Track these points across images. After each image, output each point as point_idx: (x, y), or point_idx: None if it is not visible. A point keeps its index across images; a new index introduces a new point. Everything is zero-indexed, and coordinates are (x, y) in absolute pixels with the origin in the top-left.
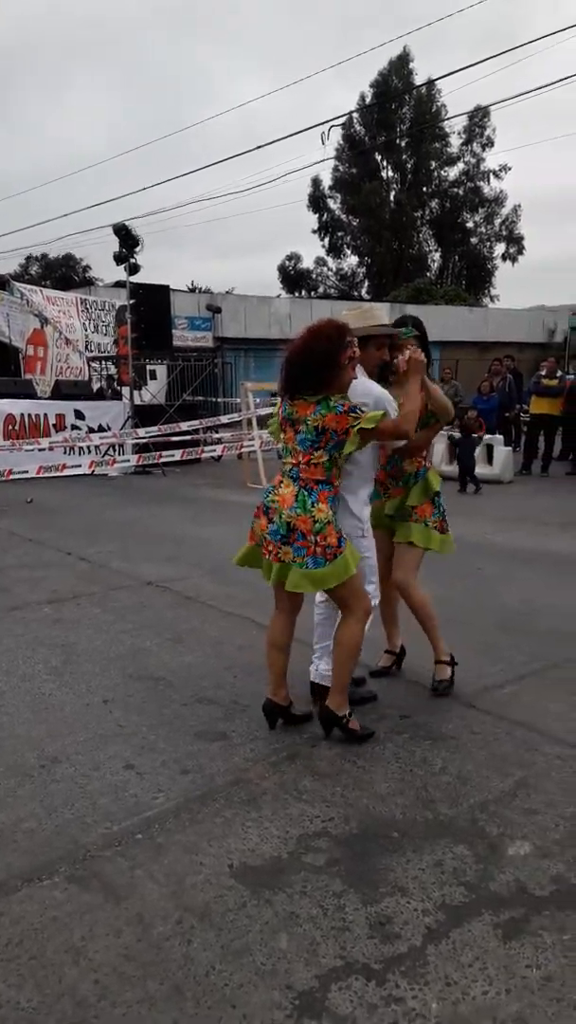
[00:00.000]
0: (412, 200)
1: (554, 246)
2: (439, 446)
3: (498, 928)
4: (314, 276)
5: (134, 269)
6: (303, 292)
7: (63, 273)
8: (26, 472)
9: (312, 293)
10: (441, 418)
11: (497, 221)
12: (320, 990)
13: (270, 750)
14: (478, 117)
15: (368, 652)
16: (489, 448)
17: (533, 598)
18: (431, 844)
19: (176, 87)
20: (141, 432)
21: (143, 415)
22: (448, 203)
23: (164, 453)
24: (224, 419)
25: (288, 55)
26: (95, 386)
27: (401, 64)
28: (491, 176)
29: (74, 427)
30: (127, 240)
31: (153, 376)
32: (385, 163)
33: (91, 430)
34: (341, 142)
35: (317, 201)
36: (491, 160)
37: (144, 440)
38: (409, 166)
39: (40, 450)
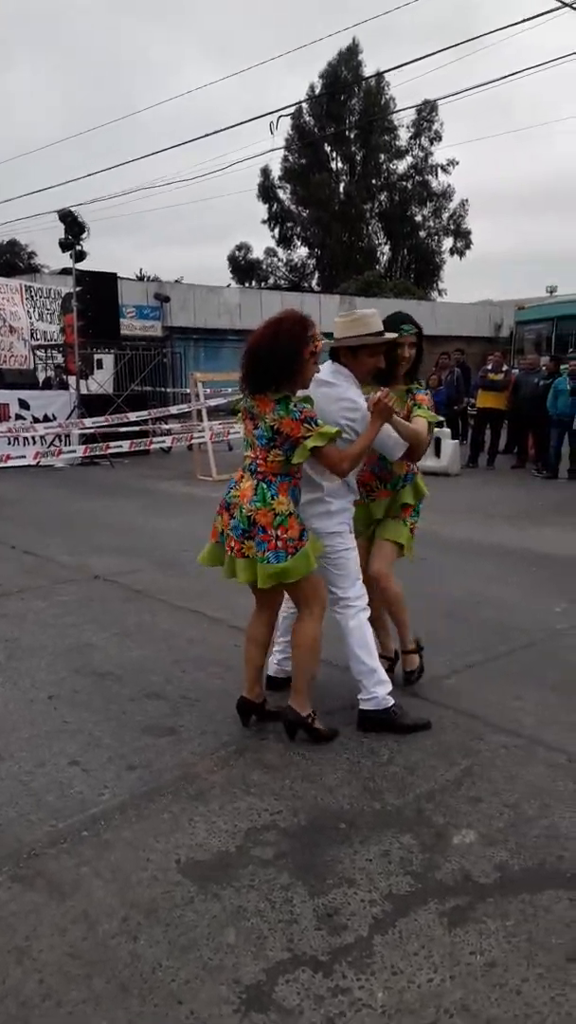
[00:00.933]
0: (361, 192)
1: (501, 241)
2: None
3: (443, 916)
4: (264, 267)
5: (80, 256)
6: (253, 283)
7: (7, 259)
8: None
9: (262, 284)
10: (415, 449)
11: (445, 215)
12: (267, 983)
13: (219, 744)
14: (426, 111)
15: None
16: (437, 441)
17: (478, 589)
18: (378, 835)
19: (120, 73)
20: (88, 422)
21: (90, 405)
22: (397, 196)
23: (112, 444)
24: (174, 410)
25: (234, 41)
26: (40, 375)
27: (350, 55)
28: (439, 170)
29: (18, 417)
30: (73, 227)
31: (100, 365)
32: (335, 154)
33: (36, 420)
34: (291, 132)
35: (267, 191)
36: (439, 154)
37: (91, 431)
38: (358, 158)
39: None
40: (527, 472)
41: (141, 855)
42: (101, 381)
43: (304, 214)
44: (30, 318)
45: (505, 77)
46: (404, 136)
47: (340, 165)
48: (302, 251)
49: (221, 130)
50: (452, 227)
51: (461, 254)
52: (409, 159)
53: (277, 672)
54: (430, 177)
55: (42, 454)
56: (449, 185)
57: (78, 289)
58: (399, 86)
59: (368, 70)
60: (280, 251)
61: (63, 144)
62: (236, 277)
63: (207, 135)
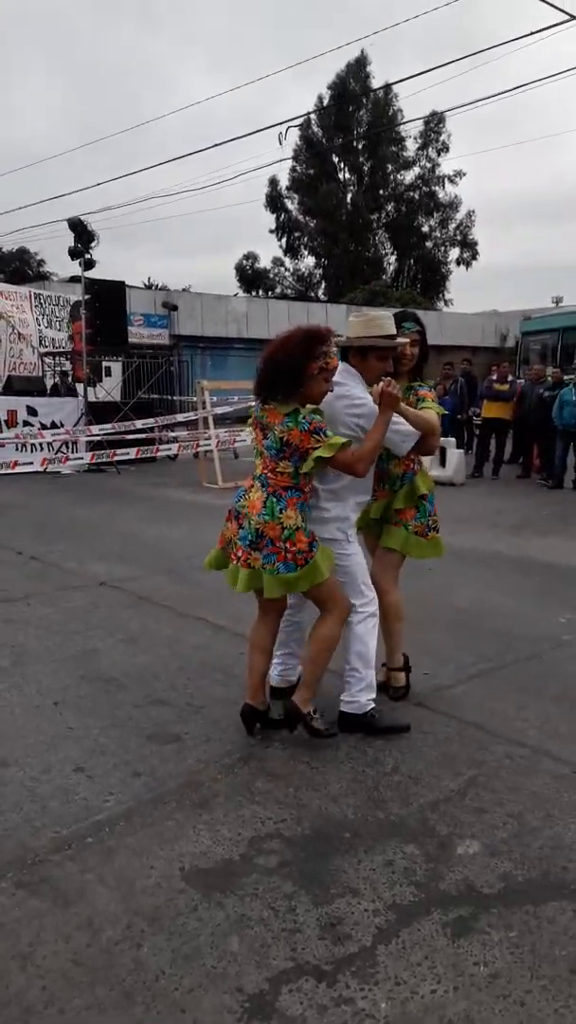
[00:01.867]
0: (369, 203)
1: (507, 252)
2: None
3: (447, 927)
4: (271, 276)
5: (89, 264)
6: (260, 292)
7: (17, 267)
8: None
9: (269, 293)
10: (428, 436)
11: (452, 226)
12: (271, 992)
13: (223, 752)
14: (434, 122)
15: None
16: (442, 450)
17: (483, 599)
18: (382, 844)
19: (129, 83)
20: (95, 429)
21: (97, 412)
22: (404, 207)
23: (118, 451)
24: (180, 417)
25: (243, 52)
26: (48, 382)
27: (359, 67)
28: (446, 181)
29: (26, 423)
30: (82, 235)
31: (108, 373)
32: (342, 165)
33: (44, 427)
34: (299, 142)
35: (275, 201)
36: (446, 165)
37: (98, 438)
38: (366, 169)
39: None
40: (532, 482)
41: (145, 862)
42: (109, 388)
43: (311, 224)
44: (39, 325)
45: (512, 89)
46: (412, 147)
47: (348, 176)
48: (309, 261)
49: (230, 140)
50: (459, 238)
51: (467, 264)
52: (416, 170)
53: (279, 683)
54: (437, 188)
55: (49, 460)
56: (456, 196)
57: (87, 297)
58: (407, 98)
59: (376, 82)
60: (287, 260)
61: (73, 153)
62: (243, 286)
63: (216, 145)
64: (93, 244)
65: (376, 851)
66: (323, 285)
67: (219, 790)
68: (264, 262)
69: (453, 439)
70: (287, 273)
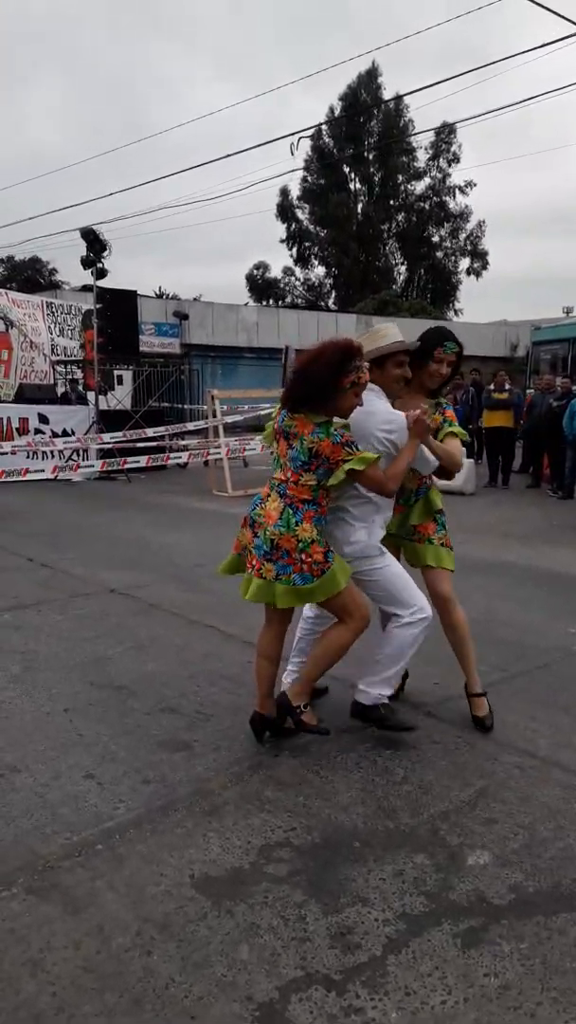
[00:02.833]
0: (379, 213)
1: (517, 262)
2: None
3: (457, 937)
4: (282, 285)
5: (101, 274)
6: (271, 301)
7: (29, 275)
8: None
9: (280, 302)
10: (450, 469)
11: (462, 236)
12: (280, 1001)
13: (233, 760)
14: (445, 133)
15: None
16: None
17: (492, 609)
18: (392, 854)
19: (140, 93)
20: (106, 437)
21: (108, 420)
22: (414, 217)
23: (129, 459)
24: (190, 426)
25: (253, 62)
26: (60, 390)
27: (370, 78)
28: (457, 191)
29: (38, 431)
30: (95, 244)
31: (119, 381)
32: (353, 175)
33: (55, 435)
34: (310, 153)
35: (285, 211)
36: (457, 176)
37: (109, 446)
38: (377, 179)
39: (2, 454)
40: (542, 492)
41: (155, 870)
42: (120, 397)
43: (322, 234)
44: (51, 334)
45: (523, 101)
46: (422, 158)
47: (358, 186)
48: (319, 270)
49: (241, 151)
50: (469, 248)
51: (478, 275)
52: (427, 180)
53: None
54: (448, 198)
55: (60, 468)
56: (466, 206)
57: (99, 306)
58: (418, 109)
59: (387, 93)
60: (298, 270)
61: (85, 164)
62: (254, 296)
63: (228, 156)
64: (105, 254)
65: (386, 861)
66: (333, 295)
67: (229, 798)
68: (275, 272)
69: (463, 448)
70: (297, 283)
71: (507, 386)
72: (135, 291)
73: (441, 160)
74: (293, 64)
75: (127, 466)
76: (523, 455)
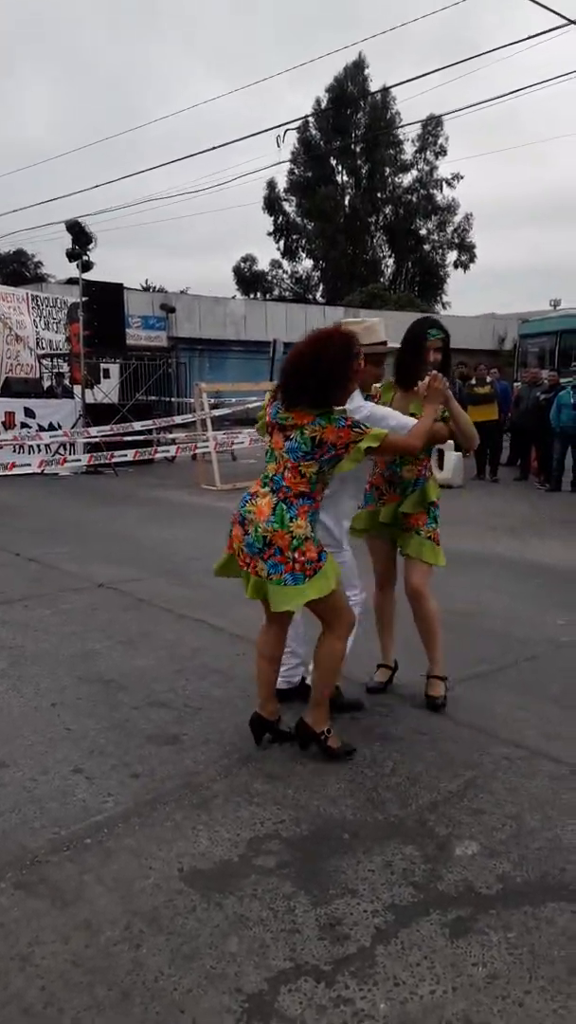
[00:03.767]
0: (366, 205)
1: (505, 255)
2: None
3: (445, 927)
4: (269, 278)
5: (87, 266)
6: (258, 294)
7: (14, 269)
8: None
9: (267, 295)
10: (464, 444)
11: (449, 229)
12: (270, 992)
13: (222, 753)
14: (431, 126)
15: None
16: (440, 453)
17: (481, 601)
18: (381, 845)
19: (126, 86)
20: (93, 431)
21: (95, 414)
22: (402, 209)
23: (116, 453)
24: (178, 419)
25: (239, 55)
26: (46, 384)
27: (357, 70)
28: (444, 184)
29: (24, 425)
30: (80, 237)
31: (106, 375)
32: (340, 168)
33: (41, 428)
34: (297, 145)
35: (272, 203)
36: (444, 168)
37: (96, 439)
38: (364, 171)
39: None
40: (530, 485)
41: (144, 863)
42: (107, 390)
43: (309, 226)
44: (36, 327)
45: (510, 93)
46: (409, 150)
47: (345, 178)
48: (307, 263)
49: (228, 143)
50: (456, 240)
51: (465, 267)
52: (414, 172)
53: (281, 684)
54: (435, 191)
55: (47, 462)
56: (454, 199)
57: (84, 299)
58: (405, 101)
59: (374, 85)
60: (285, 263)
61: (71, 156)
62: (241, 288)
63: (214, 148)
64: (91, 246)
65: (375, 852)
66: (321, 287)
67: (218, 791)
68: (262, 264)
69: (451, 441)
70: (285, 275)
71: (488, 379)
72: (121, 284)
73: (428, 152)
74: (286, 59)
75: (114, 460)
76: (510, 448)
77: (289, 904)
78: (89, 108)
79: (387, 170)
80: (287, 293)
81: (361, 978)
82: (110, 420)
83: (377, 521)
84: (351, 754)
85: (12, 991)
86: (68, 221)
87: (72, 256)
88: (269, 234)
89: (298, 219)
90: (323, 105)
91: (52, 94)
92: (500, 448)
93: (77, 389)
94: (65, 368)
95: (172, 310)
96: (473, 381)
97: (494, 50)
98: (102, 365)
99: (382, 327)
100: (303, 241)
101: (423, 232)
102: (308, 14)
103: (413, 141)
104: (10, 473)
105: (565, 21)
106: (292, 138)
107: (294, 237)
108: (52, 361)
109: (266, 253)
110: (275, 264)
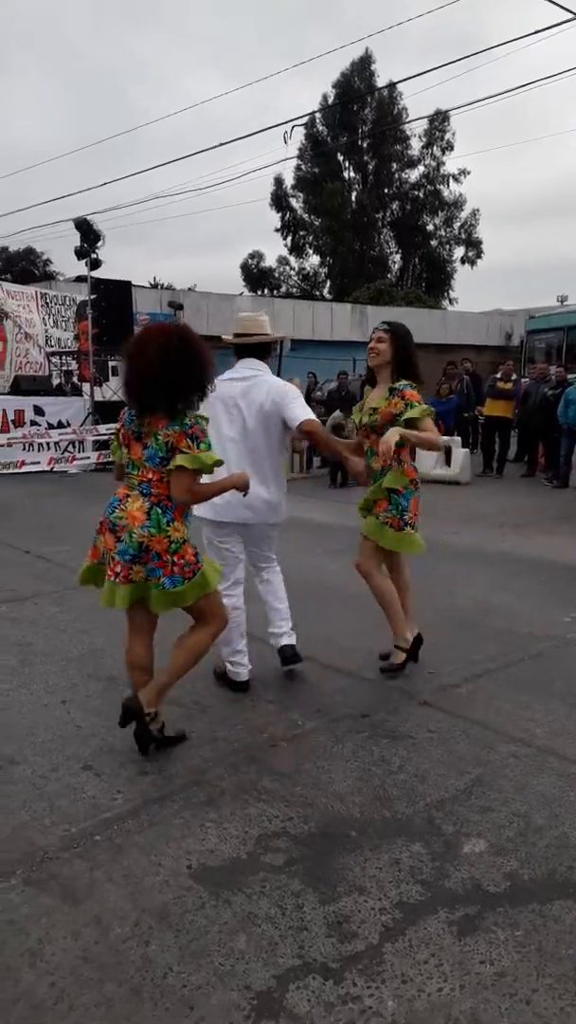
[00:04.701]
0: (373, 201)
1: (512, 251)
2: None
3: (453, 925)
4: (277, 275)
5: (95, 264)
6: (265, 291)
7: (23, 267)
8: None
9: (275, 292)
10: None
11: (456, 224)
12: (278, 990)
13: (230, 750)
14: (438, 121)
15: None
16: (448, 449)
17: (487, 598)
18: (388, 843)
19: (131, 83)
20: (102, 429)
21: (104, 411)
22: (409, 205)
23: None
24: None
25: (245, 52)
26: (54, 382)
27: (363, 66)
28: (451, 180)
29: (33, 423)
30: (88, 235)
31: (114, 372)
32: (347, 164)
33: (51, 426)
34: (304, 142)
35: (280, 200)
36: (451, 164)
37: (105, 437)
38: (371, 167)
39: None
40: (537, 481)
41: (153, 860)
42: (115, 388)
43: (316, 223)
44: (45, 325)
45: (516, 88)
46: (416, 146)
47: (352, 174)
48: (314, 259)
49: (235, 140)
50: (463, 236)
51: (472, 263)
52: (421, 168)
53: (288, 641)
54: (442, 187)
55: (56, 460)
56: (460, 194)
57: (93, 296)
58: (411, 96)
59: (381, 80)
60: (292, 259)
61: (78, 154)
62: (248, 285)
63: (221, 144)
64: (99, 244)
65: (382, 850)
66: (328, 284)
67: (226, 788)
68: (269, 261)
69: (459, 438)
70: (292, 272)
71: (513, 377)
72: (129, 281)
73: (435, 148)
74: (292, 56)
75: None
76: (518, 444)
77: (297, 901)
78: (96, 106)
79: (394, 166)
80: (294, 290)
81: (369, 976)
82: (118, 417)
83: (360, 509)
84: (174, 741)
85: (23, 987)
86: (76, 219)
87: (80, 254)
88: (276, 230)
89: (305, 215)
90: (330, 101)
91: (60, 93)
92: (508, 444)
93: (86, 387)
94: (74, 366)
95: (180, 307)
96: (499, 375)
97: (500, 44)
98: (110, 362)
99: (266, 319)
100: (310, 237)
101: (430, 228)
102: (312, 8)
103: (420, 137)
104: (20, 471)
105: (572, 15)
106: (299, 134)
107: (301, 233)
108: (61, 359)
109: (274, 250)
110: (282, 260)
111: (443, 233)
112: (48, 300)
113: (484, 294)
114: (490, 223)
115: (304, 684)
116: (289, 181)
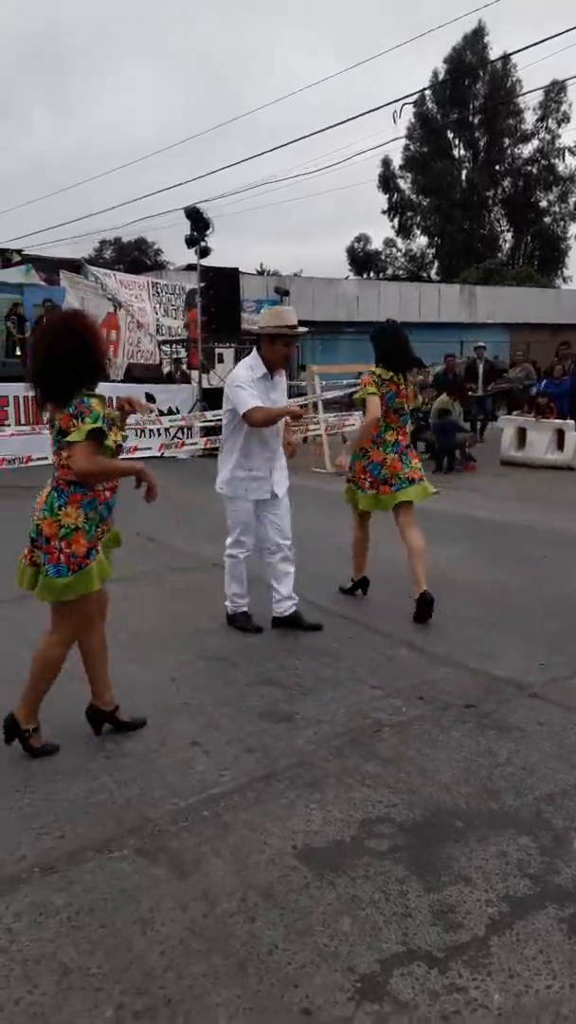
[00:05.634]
0: (484, 179)
1: None
2: (508, 430)
3: (563, 922)
4: (383, 257)
5: (205, 252)
6: (371, 274)
7: (135, 257)
8: None
9: (381, 275)
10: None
11: (572, 200)
12: (382, 974)
13: (333, 734)
14: (554, 92)
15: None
16: (560, 433)
17: None
18: (495, 835)
19: (238, 69)
20: (209, 415)
21: (211, 398)
22: (521, 182)
23: None
24: (291, 402)
25: (353, 31)
26: (165, 370)
27: (476, 39)
28: (567, 153)
29: None
30: (198, 223)
31: (220, 359)
32: (457, 141)
33: (161, 413)
34: (413, 120)
35: (387, 181)
36: (567, 137)
37: (212, 423)
38: (482, 144)
39: None
40: None
41: (259, 838)
42: (222, 375)
43: (424, 203)
44: (156, 314)
45: None
46: (530, 119)
47: (463, 152)
48: (422, 240)
49: (342, 122)
50: None
51: None
52: (535, 143)
53: (280, 612)
54: (556, 160)
55: (166, 446)
56: None
57: (202, 285)
58: (526, 68)
59: (494, 53)
60: (399, 241)
61: (187, 144)
62: (354, 269)
63: (329, 127)
64: (208, 232)
65: (489, 841)
66: (436, 265)
67: (330, 771)
68: (376, 244)
69: (572, 421)
70: (399, 254)
71: None
72: (237, 268)
73: (550, 121)
74: (402, 33)
75: None
76: None
77: (402, 888)
78: (205, 94)
79: (506, 141)
80: (401, 272)
81: (475, 967)
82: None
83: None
84: (53, 751)
85: (135, 953)
86: (187, 208)
87: (190, 242)
88: (384, 212)
89: (413, 196)
90: (440, 77)
91: (171, 83)
92: None
93: (194, 374)
94: (183, 353)
95: (286, 293)
96: None
97: None
98: (216, 350)
99: (292, 313)
100: (418, 218)
101: (543, 204)
102: None
103: (534, 110)
104: (132, 456)
105: None
106: (408, 113)
107: (409, 214)
108: (171, 347)
109: (380, 232)
110: (389, 243)
111: (557, 209)
112: (159, 289)
113: None
114: None
115: (406, 670)
116: (397, 162)
